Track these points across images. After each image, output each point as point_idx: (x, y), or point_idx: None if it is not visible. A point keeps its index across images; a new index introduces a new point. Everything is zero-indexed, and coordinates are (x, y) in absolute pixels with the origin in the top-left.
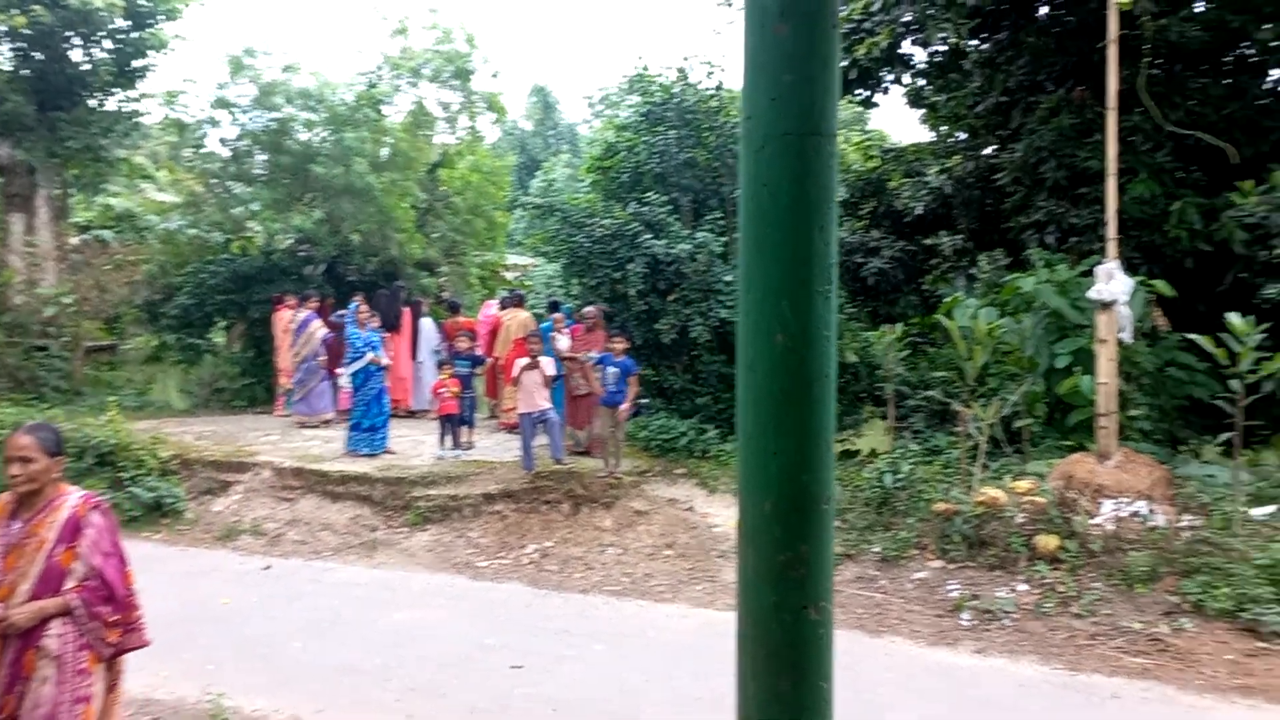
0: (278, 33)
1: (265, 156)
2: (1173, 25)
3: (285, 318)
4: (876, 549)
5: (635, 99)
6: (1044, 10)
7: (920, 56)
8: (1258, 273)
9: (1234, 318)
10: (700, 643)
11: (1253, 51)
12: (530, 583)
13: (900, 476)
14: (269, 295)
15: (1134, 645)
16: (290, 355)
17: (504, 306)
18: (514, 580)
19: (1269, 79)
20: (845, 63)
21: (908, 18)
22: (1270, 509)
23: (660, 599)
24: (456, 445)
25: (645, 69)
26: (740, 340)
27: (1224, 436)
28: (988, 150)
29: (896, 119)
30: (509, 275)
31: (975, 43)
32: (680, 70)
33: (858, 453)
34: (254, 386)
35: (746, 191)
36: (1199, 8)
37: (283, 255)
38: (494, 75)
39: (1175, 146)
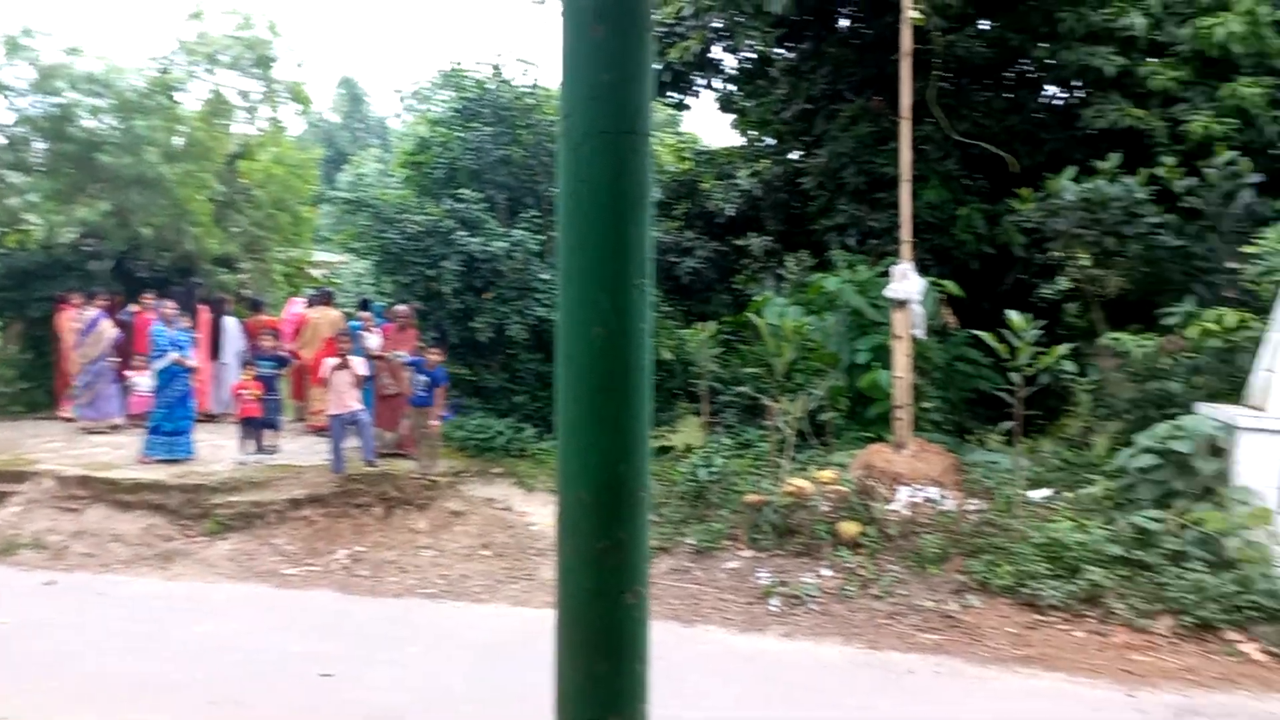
0: (60, 13)
1: (45, 144)
2: (960, 41)
3: (71, 317)
4: (691, 541)
5: (449, 94)
6: (844, 23)
7: (730, 62)
8: (1035, 273)
9: (1014, 315)
10: (519, 640)
11: (1031, 68)
12: (341, 589)
13: (713, 470)
14: (51, 293)
15: (927, 622)
16: (77, 357)
17: (311, 304)
18: (324, 587)
19: (1044, 94)
20: (659, 66)
21: (718, 24)
22: (1046, 492)
23: (478, 599)
24: (260, 449)
25: (459, 64)
26: (560, 334)
27: (1005, 425)
28: (794, 155)
29: (709, 122)
30: (316, 272)
31: (782, 51)
32: (495, 67)
33: (673, 448)
34: (34, 390)
35: (566, 188)
36: (984, 25)
37: (66, 250)
38: (298, 64)
39: (963, 155)
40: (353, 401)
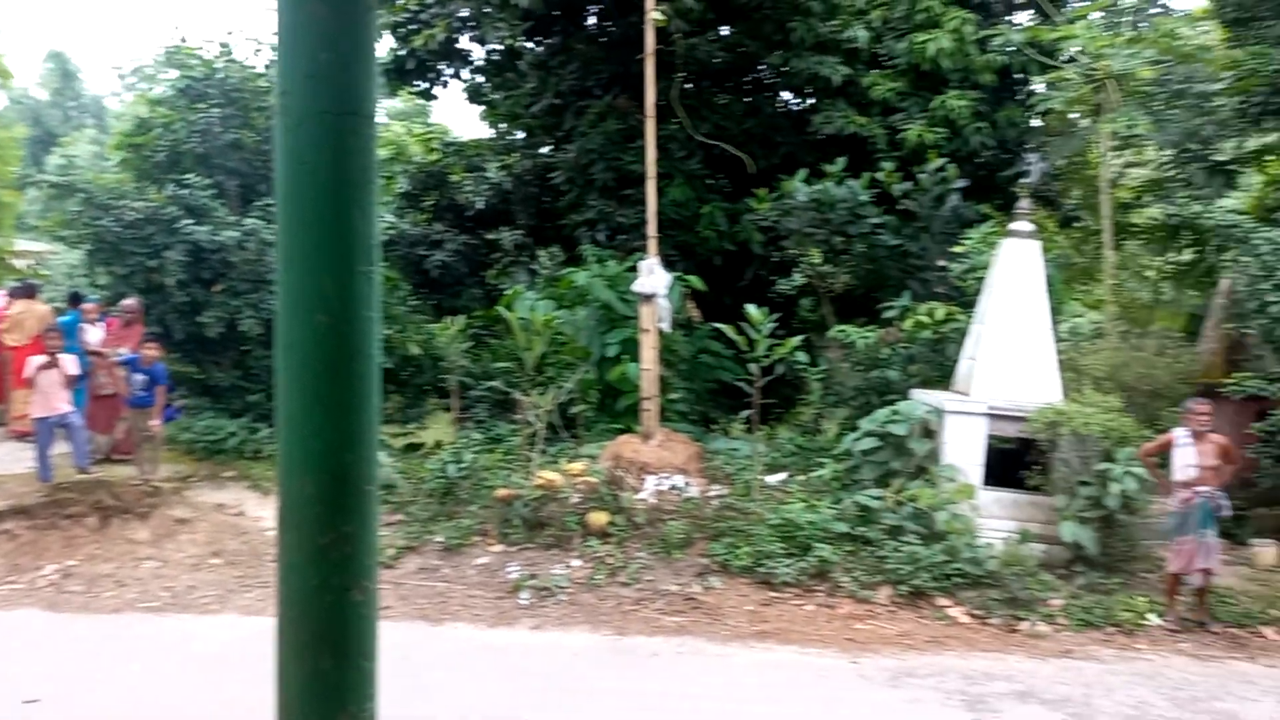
0: None
1: None
2: (702, 45)
3: None
4: (440, 539)
5: (173, 73)
6: (592, 20)
7: (479, 53)
8: (772, 270)
9: (751, 309)
10: (253, 651)
11: (767, 74)
12: (49, 607)
13: (463, 466)
14: None
15: (672, 606)
16: None
17: (13, 298)
18: (29, 606)
19: (780, 100)
20: (403, 52)
21: (464, 13)
22: (782, 476)
23: (207, 611)
24: None
25: (184, 41)
26: (280, 320)
27: (746, 414)
28: (544, 150)
29: (460, 113)
30: (19, 263)
31: (530, 45)
32: (223, 45)
33: (422, 445)
34: None
35: (283, 169)
36: (724, 31)
37: None
38: None
39: (706, 155)
40: (61, 403)
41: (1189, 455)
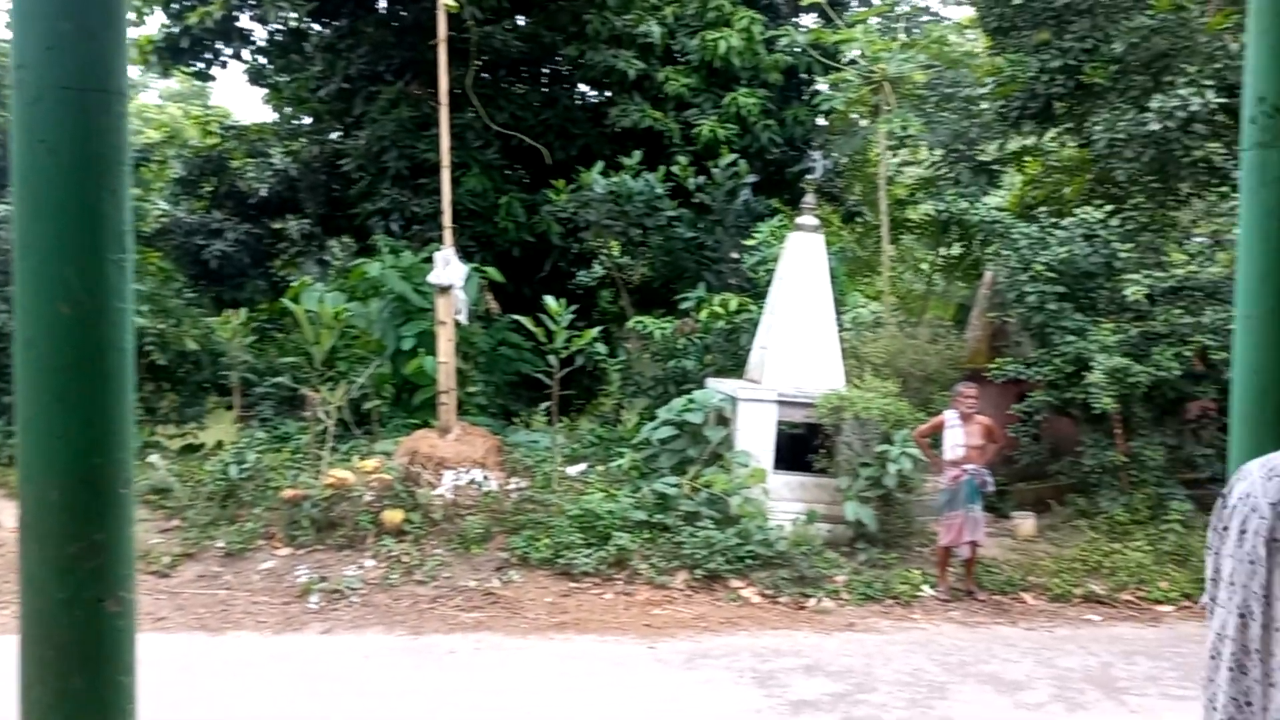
0: None
1: None
2: (497, 33)
3: None
4: (221, 544)
5: None
6: (383, 3)
7: (260, 33)
8: (571, 261)
9: (550, 301)
10: (5, 673)
11: (564, 66)
12: None
13: (246, 466)
14: None
15: (470, 602)
16: None
17: None
18: None
19: (577, 92)
20: (176, 29)
21: None
22: (582, 466)
23: None
24: None
25: None
26: (17, 312)
27: (547, 406)
28: (333, 136)
29: (241, 96)
30: None
31: (317, 26)
32: None
33: (201, 446)
34: None
35: (19, 149)
36: (520, 21)
37: None
38: None
39: (503, 145)
40: None
41: (958, 436)
